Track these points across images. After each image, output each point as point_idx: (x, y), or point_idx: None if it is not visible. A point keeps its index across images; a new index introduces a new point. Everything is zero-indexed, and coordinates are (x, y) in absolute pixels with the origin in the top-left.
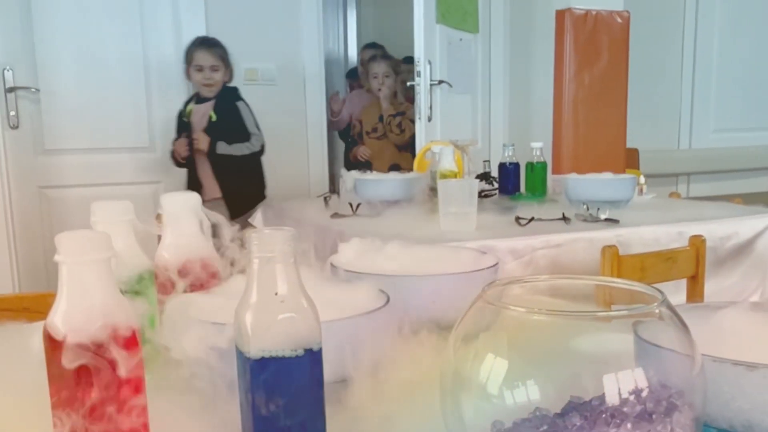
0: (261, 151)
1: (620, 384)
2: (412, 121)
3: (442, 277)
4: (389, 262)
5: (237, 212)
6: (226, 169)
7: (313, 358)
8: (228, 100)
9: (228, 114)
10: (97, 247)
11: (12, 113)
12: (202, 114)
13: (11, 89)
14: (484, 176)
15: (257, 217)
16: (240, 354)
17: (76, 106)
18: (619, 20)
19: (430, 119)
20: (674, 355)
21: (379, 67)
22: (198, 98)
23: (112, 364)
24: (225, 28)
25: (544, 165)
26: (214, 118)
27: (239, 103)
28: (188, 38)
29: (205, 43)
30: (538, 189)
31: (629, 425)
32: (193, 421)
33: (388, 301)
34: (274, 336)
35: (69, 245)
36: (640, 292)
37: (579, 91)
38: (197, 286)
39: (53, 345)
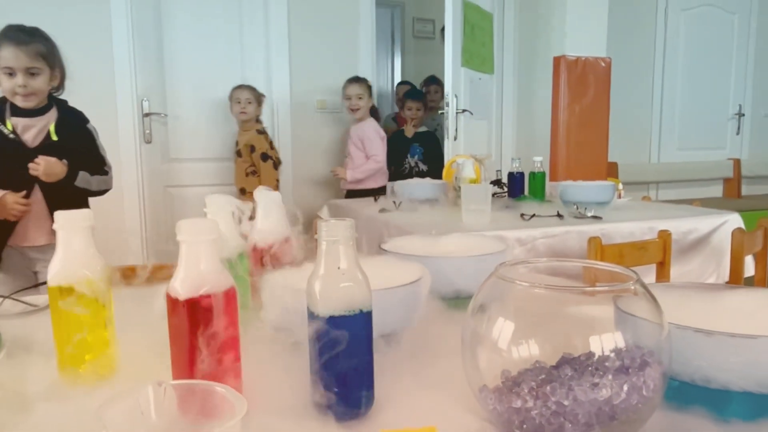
0: (106, 191)
1: (603, 344)
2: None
3: (463, 258)
4: (426, 248)
5: None
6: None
7: (365, 317)
8: (72, 117)
9: (75, 135)
10: (207, 230)
11: (147, 131)
12: (38, 130)
13: (147, 114)
14: (497, 182)
15: (324, 211)
16: (311, 313)
17: (193, 126)
18: (603, 64)
19: (455, 138)
20: (646, 322)
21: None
22: (13, 108)
23: (216, 317)
24: (303, 68)
25: (543, 174)
26: (54, 136)
27: (89, 126)
28: (277, 77)
29: (20, 33)
30: (539, 193)
31: (610, 377)
32: (275, 365)
33: (423, 276)
34: (336, 300)
35: (187, 229)
36: (619, 273)
37: (571, 117)
38: (279, 259)
39: (173, 303)
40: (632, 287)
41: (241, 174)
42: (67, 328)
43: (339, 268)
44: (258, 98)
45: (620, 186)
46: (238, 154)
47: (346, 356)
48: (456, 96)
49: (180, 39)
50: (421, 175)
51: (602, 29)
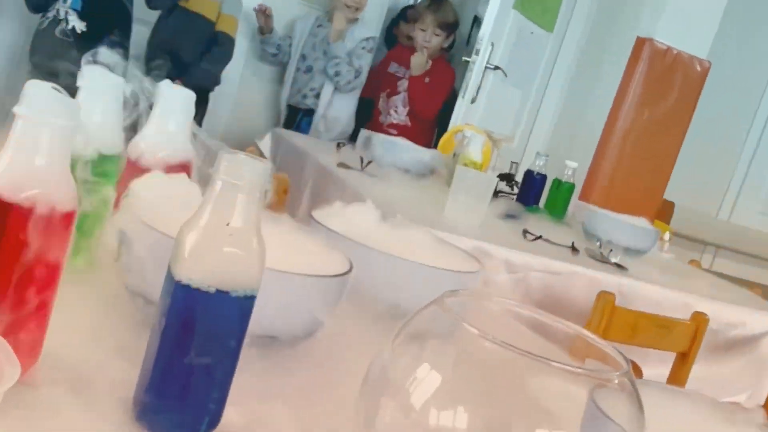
0: None
1: None
2: None
3: (417, 265)
4: (370, 232)
5: None
6: None
7: (243, 303)
8: None
9: None
10: (61, 112)
11: None
12: None
13: None
14: (507, 177)
15: (265, 141)
16: (170, 274)
17: None
18: (699, 68)
19: (473, 101)
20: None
21: None
22: None
23: (35, 235)
24: None
25: (571, 187)
26: None
27: None
28: None
29: None
30: (558, 209)
31: None
32: (103, 331)
33: (349, 270)
34: (210, 267)
35: (34, 100)
36: (609, 354)
37: (635, 124)
38: None
39: None
40: (617, 379)
41: None
42: None
43: (228, 224)
44: None
45: (667, 236)
46: None
47: (199, 347)
48: (492, 45)
49: None
50: (69, 36)
51: (712, 24)
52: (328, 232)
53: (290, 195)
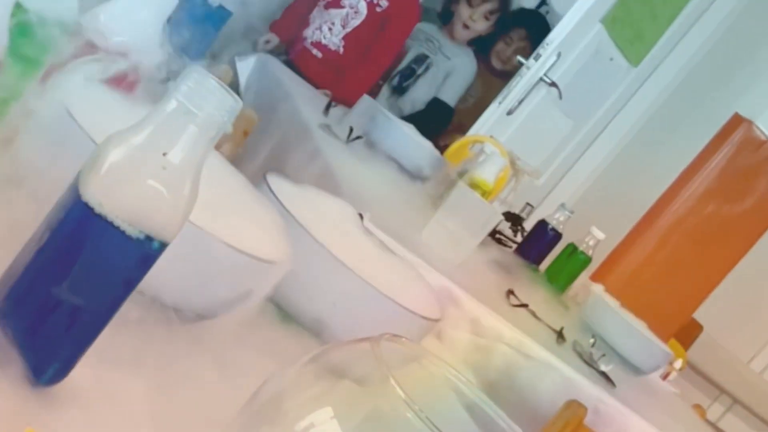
0: None
1: None
2: None
3: (365, 284)
4: (330, 227)
5: None
6: None
7: (147, 252)
8: None
9: None
10: None
11: None
12: None
13: None
14: (515, 219)
15: (246, 62)
16: (75, 186)
17: None
18: None
19: (510, 113)
20: None
21: None
22: None
23: None
24: None
25: (586, 261)
26: None
27: None
28: None
29: None
30: (561, 281)
31: None
32: None
33: (286, 262)
34: (125, 197)
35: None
36: None
37: (691, 214)
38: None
39: None
40: None
41: None
42: None
43: (165, 154)
44: None
45: (678, 363)
46: None
47: (75, 286)
48: (559, 56)
49: None
50: None
51: None
52: (279, 207)
53: (252, 138)
